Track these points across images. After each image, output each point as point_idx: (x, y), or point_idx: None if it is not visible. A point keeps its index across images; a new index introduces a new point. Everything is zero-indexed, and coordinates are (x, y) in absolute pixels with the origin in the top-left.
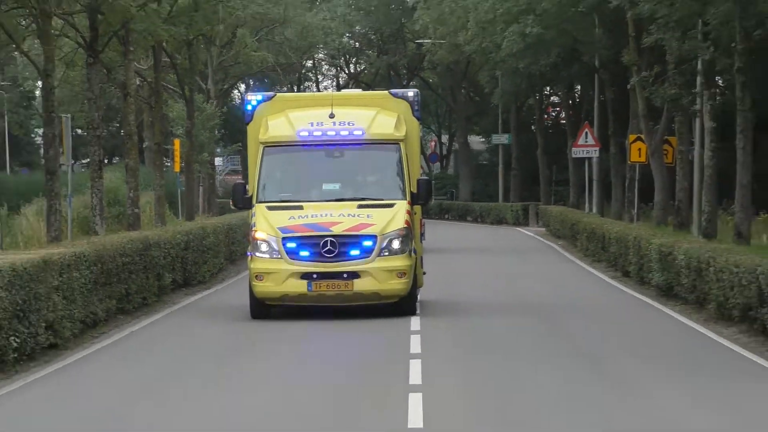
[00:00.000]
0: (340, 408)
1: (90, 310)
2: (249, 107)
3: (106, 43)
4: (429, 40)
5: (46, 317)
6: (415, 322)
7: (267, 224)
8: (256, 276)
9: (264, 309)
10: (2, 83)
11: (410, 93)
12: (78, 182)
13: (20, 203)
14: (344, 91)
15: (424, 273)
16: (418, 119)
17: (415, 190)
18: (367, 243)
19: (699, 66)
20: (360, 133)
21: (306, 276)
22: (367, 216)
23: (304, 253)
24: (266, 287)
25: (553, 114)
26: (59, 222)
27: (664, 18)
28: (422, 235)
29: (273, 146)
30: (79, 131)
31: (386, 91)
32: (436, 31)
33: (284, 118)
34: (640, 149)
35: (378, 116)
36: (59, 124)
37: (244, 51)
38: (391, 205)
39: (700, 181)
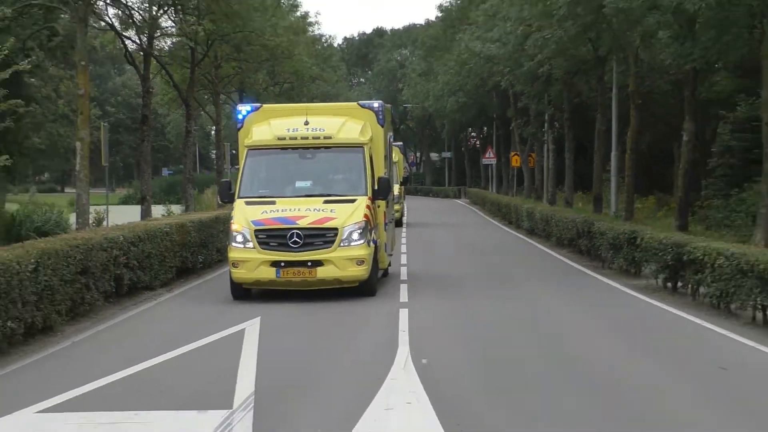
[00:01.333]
0: (355, 300)
1: None
2: (240, 116)
3: None
4: (410, 104)
5: (217, 246)
6: (403, 247)
7: (243, 217)
8: (233, 263)
9: (243, 291)
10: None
11: (375, 104)
12: (233, 176)
13: (204, 188)
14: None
15: (390, 255)
16: (382, 126)
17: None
18: (330, 234)
19: (546, 117)
20: (329, 137)
21: (275, 264)
22: (331, 210)
23: (273, 244)
24: (241, 273)
25: (473, 141)
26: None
27: (528, 93)
28: (402, 213)
29: (255, 149)
30: (234, 152)
31: (355, 103)
32: (413, 99)
33: (266, 126)
34: (516, 159)
35: (346, 123)
36: (223, 147)
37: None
38: (353, 200)
39: (547, 176)
